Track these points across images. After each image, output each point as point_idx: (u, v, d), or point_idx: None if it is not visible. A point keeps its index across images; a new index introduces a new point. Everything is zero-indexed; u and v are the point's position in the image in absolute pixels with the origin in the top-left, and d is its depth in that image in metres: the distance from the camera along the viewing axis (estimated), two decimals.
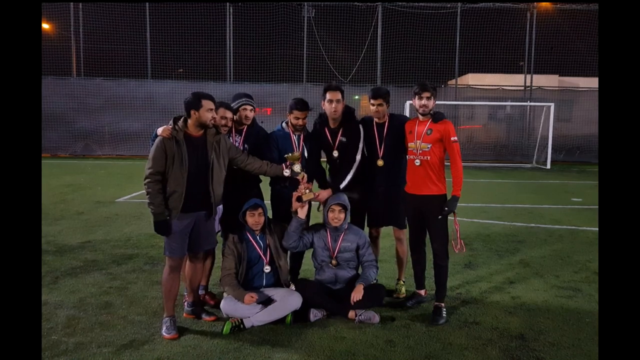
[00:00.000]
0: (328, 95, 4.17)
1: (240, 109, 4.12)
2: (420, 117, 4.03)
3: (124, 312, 4.01)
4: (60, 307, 4.08)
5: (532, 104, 19.41)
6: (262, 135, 4.32)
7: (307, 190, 4.04)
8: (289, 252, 4.23)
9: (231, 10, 19.05)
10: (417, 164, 4.00)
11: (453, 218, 3.96)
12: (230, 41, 19.17)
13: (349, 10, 18.96)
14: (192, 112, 3.57)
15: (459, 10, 19.18)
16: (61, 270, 5.03)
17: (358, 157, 4.27)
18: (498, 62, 20.11)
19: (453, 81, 20.35)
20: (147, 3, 18.77)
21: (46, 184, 10.88)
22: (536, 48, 19.76)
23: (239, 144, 4.16)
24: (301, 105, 4.17)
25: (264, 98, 17.11)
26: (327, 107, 4.22)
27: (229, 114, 4.01)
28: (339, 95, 4.17)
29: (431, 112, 3.99)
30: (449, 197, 3.93)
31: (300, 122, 4.19)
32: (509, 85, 20.38)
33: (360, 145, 4.27)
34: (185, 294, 4.02)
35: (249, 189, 4.19)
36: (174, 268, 3.70)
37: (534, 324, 3.88)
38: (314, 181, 4.32)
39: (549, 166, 17.36)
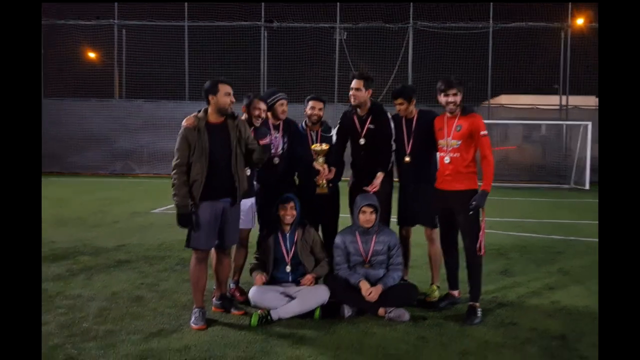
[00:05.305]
0: (353, 84, 4.27)
1: (277, 104, 4.24)
2: (449, 113, 3.98)
3: (154, 305, 4.03)
4: (93, 300, 4.15)
5: (568, 122, 18.91)
6: (294, 129, 4.49)
7: (324, 183, 4.13)
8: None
9: (265, 34, 19.58)
10: (447, 161, 3.93)
11: (482, 217, 3.84)
12: (264, 63, 19.62)
13: (380, 32, 19.12)
14: (210, 97, 3.59)
15: (490, 30, 19.07)
16: (95, 269, 5.13)
17: (393, 143, 4.28)
18: (532, 83, 19.74)
19: (486, 102, 20.10)
20: (185, 28, 19.53)
21: (84, 199, 11.23)
22: (571, 68, 19.36)
23: (279, 138, 4.28)
24: (316, 95, 4.51)
25: (296, 118, 17.19)
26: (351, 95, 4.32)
27: (262, 106, 4.09)
28: (359, 84, 4.21)
29: (459, 107, 3.93)
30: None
31: (315, 111, 4.40)
32: (543, 105, 19.94)
33: (393, 133, 4.27)
34: (215, 288, 4.03)
35: (286, 188, 4.26)
36: (200, 260, 3.69)
37: (576, 327, 3.68)
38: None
39: (587, 187, 16.75)
